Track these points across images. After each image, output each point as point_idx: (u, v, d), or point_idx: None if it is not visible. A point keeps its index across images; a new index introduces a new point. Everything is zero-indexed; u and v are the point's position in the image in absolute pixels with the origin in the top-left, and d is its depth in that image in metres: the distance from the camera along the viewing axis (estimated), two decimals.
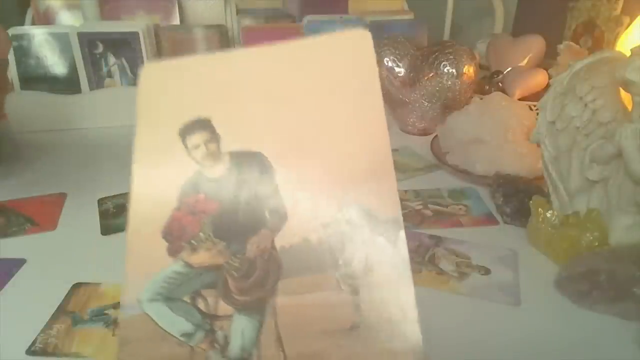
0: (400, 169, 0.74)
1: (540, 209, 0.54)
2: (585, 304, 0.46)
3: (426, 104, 0.82)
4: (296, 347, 0.15)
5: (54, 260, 0.53)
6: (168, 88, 0.18)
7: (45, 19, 1.05)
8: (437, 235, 0.57)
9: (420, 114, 0.84)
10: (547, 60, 1.04)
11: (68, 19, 1.05)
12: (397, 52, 0.83)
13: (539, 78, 0.98)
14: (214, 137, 0.17)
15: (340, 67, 0.17)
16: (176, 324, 0.15)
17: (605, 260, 0.47)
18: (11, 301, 0.47)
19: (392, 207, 0.16)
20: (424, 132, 0.85)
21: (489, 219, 0.61)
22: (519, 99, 0.93)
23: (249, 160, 0.17)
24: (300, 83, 0.17)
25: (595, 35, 1.04)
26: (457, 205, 0.64)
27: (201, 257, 0.16)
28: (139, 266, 0.16)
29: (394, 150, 0.80)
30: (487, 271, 0.51)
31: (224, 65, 0.18)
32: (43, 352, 0.41)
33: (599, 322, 0.45)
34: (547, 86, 0.62)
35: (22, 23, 1.07)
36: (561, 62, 0.95)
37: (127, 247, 0.16)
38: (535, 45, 1.06)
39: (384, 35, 0.86)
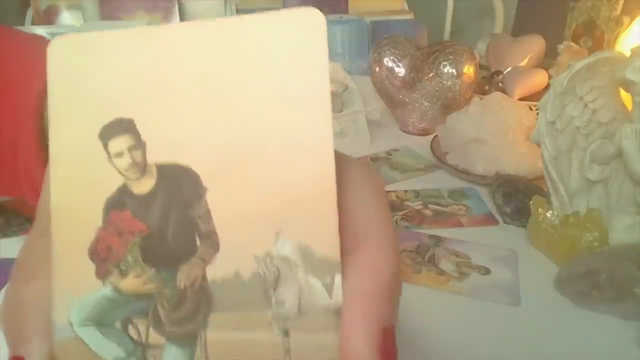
0: (400, 169, 0.74)
1: (540, 209, 0.54)
2: (585, 304, 0.46)
3: (426, 104, 0.82)
4: None
5: None
6: (85, 74, 0.15)
7: (45, 19, 1.05)
8: (437, 235, 0.57)
9: (420, 114, 0.84)
10: (547, 60, 1.04)
11: (68, 19, 1.05)
12: (397, 52, 0.83)
13: (539, 78, 0.98)
14: (139, 143, 0.15)
15: (287, 66, 0.14)
16: (109, 350, 0.15)
17: (605, 260, 0.47)
18: None
19: (330, 245, 0.14)
20: (424, 132, 0.85)
21: (489, 219, 0.61)
22: (519, 99, 0.93)
23: (178, 176, 0.15)
24: (241, 79, 0.14)
25: (595, 35, 1.04)
26: (457, 205, 0.64)
27: (130, 284, 0.15)
28: (68, 288, 0.15)
29: (394, 150, 0.80)
30: (487, 271, 0.51)
31: (151, 46, 0.15)
32: None
33: (599, 322, 0.45)
34: (547, 86, 0.62)
35: (22, 23, 1.07)
36: (561, 62, 0.95)
37: (53, 265, 0.15)
38: (535, 45, 1.06)
39: (384, 35, 0.86)
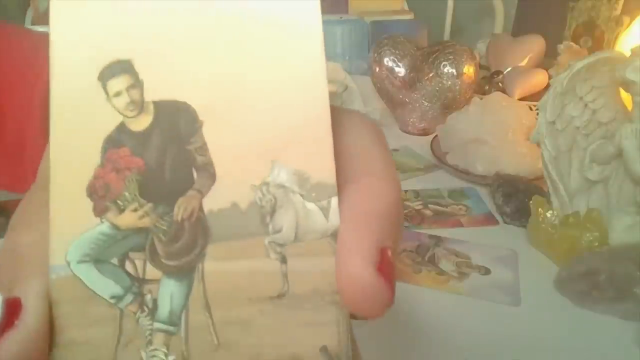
0: (400, 169, 0.74)
1: (540, 209, 0.54)
2: (585, 304, 0.46)
3: (426, 104, 0.82)
4: (223, 313, 0.15)
5: None
6: (84, 22, 0.15)
7: (45, 19, 1.04)
8: (437, 235, 0.57)
9: (420, 114, 0.84)
10: (547, 60, 1.04)
11: None
12: (397, 52, 0.83)
13: (539, 78, 0.98)
14: (137, 82, 0.15)
15: (281, 12, 0.15)
16: (105, 286, 0.15)
17: (605, 260, 0.47)
18: None
19: (326, 170, 0.15)
20: (424, 132, 0.85)
21: (489, 219, 0.61)
22: (519, 99, 0.93)
23: (175, 111, 0.15)
24: (234, 19, 0.15)
25: (595, 35, 1.04)
26: (457, 205, 0.64)
27: (127, 219, 0.15)
28: (65, 226, 0.15)
29: (394, 150, 0.80)
30: (487, 271, 0.51)
31: None
32: None
33: (599, 322, 0.45)
34: (547, 86, 0.62)
35: (22, 23, 1.07)
36: (561, 62, 0.95)
37: (51, 206, 0.15)
38: (535, 45, 1.06)
39: (384, 35, 0.86)
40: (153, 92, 0.15)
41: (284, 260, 0.15)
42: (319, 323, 0.15)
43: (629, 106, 0.49)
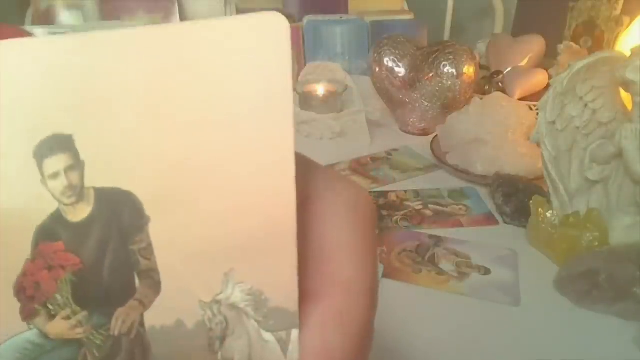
0: (400, 169, 0.74)
1: (540, 209, 0.54)
2: (585, 304, 0.46)
3: (426, 104, 0.82)
4: None
5: None
6: (23, 83, 0.12)
7: (45, 19, 1.05)
8: (437, 235, 0.57)
9: (420, 114, 0.84)
10: (547, 60, 1.04)
11: (68, 19, 1.05)
12: (397, 52, 0.83)
13: (539, 78, 0.98)
14: (77, 163, 0.12)
15: (244, 79, 0.12)
16: None
17: (605, 260, 0.47)
18: None
19: (287, 293, 0.12)
20: (424, 132, 0.85)
21: (489, 219, 0.61)
22: (519, 99, 0.93)
23: (118, 202, 0.12)
24: (193, 92, 0.12)
25: (595, 35, 1.04)
26: (457, 205, 0.64)
27: (58, 327, 0.13)
28: None
29: (394, 150, 0.80)
30: (487, 271, 0.51)
31: (93, 55, 0.12)
32: None
33: (599, 322, 0.45)
34: (547, 86, 0.62)
35: (22, 23, 1.07)
36: (561, 62, 0.95)
37: None
38: (535, 45, 1.06)
39: (384, 35, 0.86)
40: (94, 177, 0.12)
41: None
42: None
43: (629, 106, 0.49)
